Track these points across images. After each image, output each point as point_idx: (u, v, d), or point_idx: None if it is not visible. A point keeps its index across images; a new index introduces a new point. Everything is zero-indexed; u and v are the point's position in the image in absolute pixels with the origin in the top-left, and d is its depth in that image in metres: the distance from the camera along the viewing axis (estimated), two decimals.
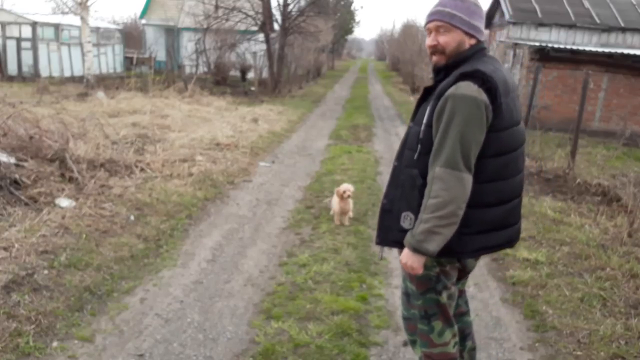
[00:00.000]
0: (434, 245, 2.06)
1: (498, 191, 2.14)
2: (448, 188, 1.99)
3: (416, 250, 2.10)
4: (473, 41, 2.13)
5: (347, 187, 5.51)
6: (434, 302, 2.28)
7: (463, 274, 2.43)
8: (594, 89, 12.35)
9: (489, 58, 2.14)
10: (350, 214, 5.64)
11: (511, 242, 2.29)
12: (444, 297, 2.27)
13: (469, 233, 2.13)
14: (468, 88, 1.98)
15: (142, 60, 23.68)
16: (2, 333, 3.09)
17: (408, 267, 2.16)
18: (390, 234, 2.25)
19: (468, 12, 2.11)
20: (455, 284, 2.37)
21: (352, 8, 52.86)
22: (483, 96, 1.98)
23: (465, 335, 2.55)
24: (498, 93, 1.99)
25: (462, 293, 2.56)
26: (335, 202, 5.59)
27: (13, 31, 19.35)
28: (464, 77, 2.01)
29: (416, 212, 2.12)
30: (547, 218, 5.89)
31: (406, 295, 2.46)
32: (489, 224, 2.16)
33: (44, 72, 19.32)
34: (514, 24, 16.07)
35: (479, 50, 2.13)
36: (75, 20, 19.09)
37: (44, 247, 4.25)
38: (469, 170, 2.01)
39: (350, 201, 5.55)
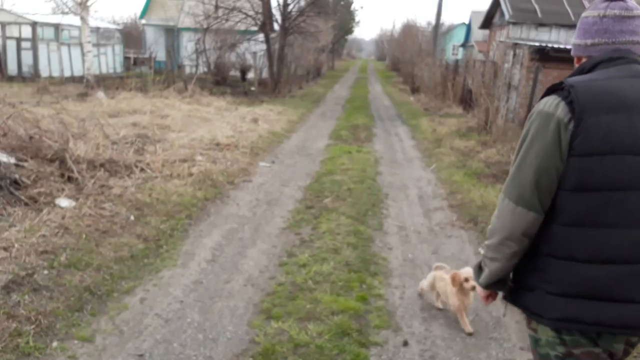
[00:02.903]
0: (482, 277, 1.83)
1: (594, 242, 1.59)
2: (498, 216, 1.73)
3: (474, 278, 1.92)
4: (583, 59, 1.81)
5: (470, 273, 3.49)
6: None
7: None
8: None
9: (614, 68, 1.69)
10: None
11: (635, 328, 1.62)
12: None
13: (550, 292, 1.65)
14: (546, 103, 1.66)
15: (141, 60, 23.68)
16: (2, 333, 3.09)
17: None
18: None
19: (576, 33, 1.84)
20: None
21: (352, 8, 52.95)
22: (560, 111, 1.60)
23: None
24: (579, 105, 1.58)
25: None
26: (449, 293, 3.63)
27: (13, 31, 19.35)
28: (548, 91, 1.70)
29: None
30: None
31: None
32: (580, 287, 1.62)
33: (44, 72, 19.33)
34: (514, 24, 16.05)
35: (599, 62, 1.72)
36: (75, 20, 19.10)
37: (44, 247, 4.25)
38: (522, 202, 1.65)
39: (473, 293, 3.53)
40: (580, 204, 1.59)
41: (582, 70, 1.74)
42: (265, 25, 19.89)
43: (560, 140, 1.59)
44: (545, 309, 1.67)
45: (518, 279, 1.77)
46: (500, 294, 1.89)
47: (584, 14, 1.80)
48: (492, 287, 1.84)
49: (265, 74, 21.92)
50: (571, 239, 1.62)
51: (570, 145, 1.58)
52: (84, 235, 4.60)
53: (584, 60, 1.78)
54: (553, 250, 1.65)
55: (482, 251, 1.84)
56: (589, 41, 1.75)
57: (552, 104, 1.63)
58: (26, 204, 5.05)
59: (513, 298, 1.81)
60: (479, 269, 1.86)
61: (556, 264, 1.65)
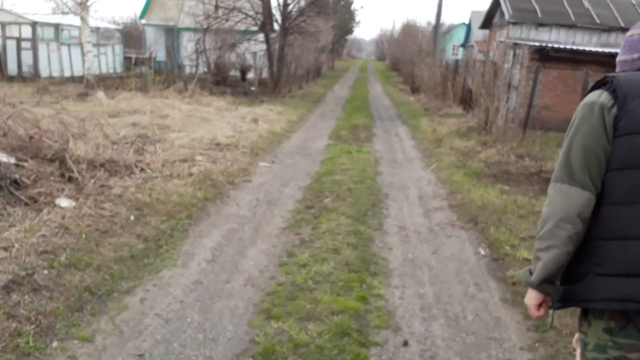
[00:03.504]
0: (535, 274, 1.76)
1: None
2: (549, 203, 1.75)
3: (524, 282, 1.83)
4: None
5: None
6: None
7: None
8: None
9: None
10: None
11: None
12: None
13: (601, 273, 1.66)
14: (589, 96, 1.78)
15: (141, 60, 23.68)
16: (2, 333, 3.09)
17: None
18: None
19: (621, 50, 1.95)
20: None
21: (352, 8, 52.97)
22: (603, 98, 1.72)
23: None
24: (621, 91, 1.69)
25: None
26: None
27: (13, 31, 19.35)
28: (592, 88, 1.81)
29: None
30: None
31: None
32: (634, 265, 1.62)
33: (44, 72, 19.32)
34: (514, 24, 16.05)
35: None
36: (75, 20, 19.09)
37: (44, 247, 4.25)
38: (575, 182, 1.69)
39: None
40: (629, 182, 1.65)
41: None
42: (265, 25, 19.89)
43: (605, 122, 1.69)
44: (595, 291, 1.65)
45: (566, 273, 1.75)
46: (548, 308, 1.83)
47: (628, 34, 1.92)
48: (545, 285, 1.75)
49: (265, 74, 21.92)
50: (621, 218, 1.65)
51: (614, 127, 1.68)
52: (84, 235, 4.60)
53: None
54: (603, 233, 1.68)
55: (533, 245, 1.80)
56: (635, 55, 1.86)
57: (594, 95, 1.75)
58: (26, 204, 5.05)
59: (561, 298, 1.78)
60: (529, 273, 1.80)
61: (607, 245, 1.66)
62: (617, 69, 1.93)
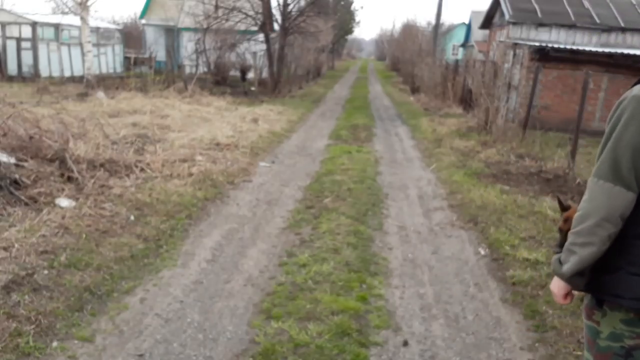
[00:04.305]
0: (568, 266, 1.75)
1: None
2: (590, 199, 1.70)
3: (554, 271, 1.83)
4: None
5: None
6: None
7: None
8: (594, 89, 12.36)
9: None
10: None
11: None
12: None
13: (633, 273, 1.67)
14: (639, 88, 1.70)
15: (141, 60, 23.69)
16: (2, 333, 3.09)
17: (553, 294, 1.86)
18: None
19: None
20: None
21: (352, 8, 52.97)
22: None
23: None
24: None
25: None
26: None
27: (13, 31, 19.35)
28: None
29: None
30: (547, 218, 5.89)
31: None
32: None
33: (44, 72, 19.33)
34: (514, 24, 16.06)
35: None
36: (75, 20, 19.11)
37: (44, 247, 4.25)
38: (620, 181, 1.65)
39: None
40: None
41: None
42: (265, 25, 19.89)
43: None
44: (626, 290, 1.66)
45: (598, 263, 1.73)
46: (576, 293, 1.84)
47: None
48: (575, 278, 1.76)
49: (265, 74, 21.93)
50: None
51: None
52: (84, 235, 4.60)
53: None
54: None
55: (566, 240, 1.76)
56: None
57: None
58: (26, 204, 5.05)
59: (587, 285, 1.77)
60: (559, 263, 1.80)
61: None
62: None
